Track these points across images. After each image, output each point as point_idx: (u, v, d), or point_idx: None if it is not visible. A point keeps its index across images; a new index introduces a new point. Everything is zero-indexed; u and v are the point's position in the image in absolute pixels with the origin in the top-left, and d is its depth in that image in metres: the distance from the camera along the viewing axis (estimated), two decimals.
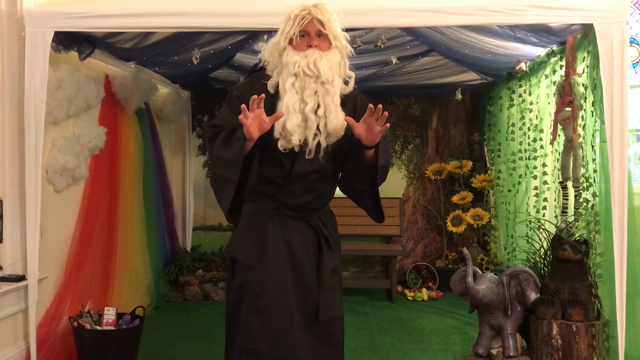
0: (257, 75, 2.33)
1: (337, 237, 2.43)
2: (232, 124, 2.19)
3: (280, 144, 2.17)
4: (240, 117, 2.04)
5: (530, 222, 4.06)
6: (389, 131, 6.03)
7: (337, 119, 2.17)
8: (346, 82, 2.26)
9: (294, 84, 2.15)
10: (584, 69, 3.42)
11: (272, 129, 2.15)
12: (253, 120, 2.06)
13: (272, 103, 2.20)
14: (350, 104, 2.30)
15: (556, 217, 3.84)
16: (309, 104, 2.15)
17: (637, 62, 5.74)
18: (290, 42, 2.20)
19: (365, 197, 2.36)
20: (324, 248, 2.32)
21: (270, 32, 2.79)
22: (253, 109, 2.06)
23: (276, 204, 2.27)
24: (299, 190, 2.26)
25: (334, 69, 2.18)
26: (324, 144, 2.19)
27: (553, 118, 3.79)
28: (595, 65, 3.14)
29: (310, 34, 2.19)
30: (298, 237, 2.29)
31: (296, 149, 2.19)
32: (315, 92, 2.16)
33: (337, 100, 2.19)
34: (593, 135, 3.33)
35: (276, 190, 2.26)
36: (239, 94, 2.28)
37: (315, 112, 2.15)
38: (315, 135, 2.18)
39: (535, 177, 4.34)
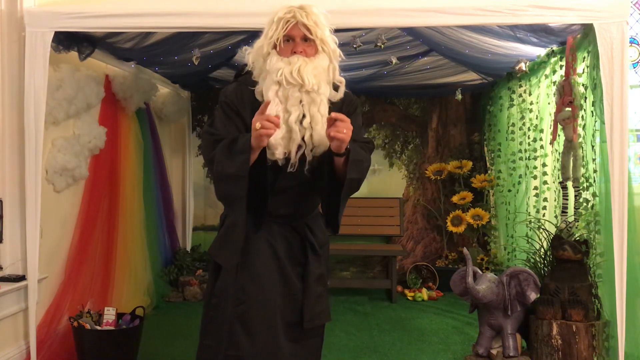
0: (243, 80, 2.21)
1: (324, 239, 2.33)
2: (228, 132, 2.10)
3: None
4: (254, 120, 1.93)
5: (530, 222, 4.06)
6: (389, 131, 6.04)
7: (324, 130, 2.03)
8: (336, 88, 2.14)
9: (277, 93, 2.02)
10: (584, 69, 3.42)
11: None
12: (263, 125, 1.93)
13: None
14: (336, 110, 2.16)
15: (556, 217, 3.84)
16: (293, 114, 2.02)
17: (637, 62, 5.74)
18: (275, 47, 2.08)
19: (323, 204, 2.24)
20: (309, 255, 2.23)
21: None
22: (263, 111, 1.95)
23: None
24: (282, 201, 2.18)
25: (321, 75, 2.06)
26: (309, 157, 2.07)
27: (553, 118, 3.80)
28: (595, 65, 3.14)
29: (295, 39, 2.07)
30: (283, 242, 2.21)
31: (280, 163, 2.07)
32: (300, 102, 2.03)
33: (324, 110, 2.06)
34: (593, 135, 3.33)
35: (259, 200, 2.13)
36: (228, 101, 2.17)
37: (301, 123, 2.03)
38: (300, 147, 2.05)
39: (535, 177, 4.34)
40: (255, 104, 2.09)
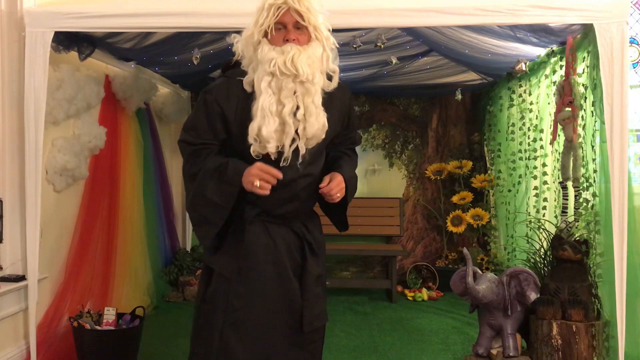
0: (231, 74, 2.12)
1: (321, 239, 2.28)
2: (209, 134, 2.05)
3: (253, 150, 1.98)
4: (254, 174, 1.94)
5: (530, 222, 4.06)
6: (389, 131, 6.03)
7: (318, 122, 1.99)
8: (330, 78, 2.06)
9: (270, 84, 1.94)
10: (584, 69, 3.42)
11: (246, 133, 1.98)
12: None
13: (247, 102, 2.00)
14: (338, 103, 2.14)
15: (556, 217, 3.84)
16: (287, 105, 1.95)
17: (637, 62, 5.75)
18: (266, 35, 2.00)
19: (331, 211, 2.27)
20: (307, 255, 2.17)
21: None
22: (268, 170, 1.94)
23: (257, 211, 2.12)
24: (283, 198, 2.10)
25: (315, 65, 1.98)
26: (302, 150, 2.01)
27: (553, 118, 3.80)
28: (595, 65, 3.14)
29: (287, 26, 1.99)
30: (281, 243, 2.13)
31: (273, 157, 2.00)
32: (294, 92, 1.96)
33: (318, 100, 2.00)
34: (593, 135, 3.33)
35: (258, 197, 2.05)
36: (213, 98, 2.06)
37: (294, 115, 1.97)
38: (294, 140, 1.98)
39: (535, 177, 4.34)
40: (242, 96, 2.02)
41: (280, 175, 1.95)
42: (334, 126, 2.16)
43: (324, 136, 2.05)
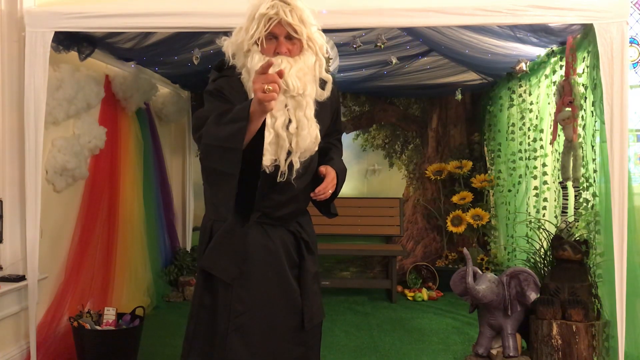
0: (229, 73, 2.08)
1: (314, 235, 2.27)
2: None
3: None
4: (255, 80, 1.68)
5: (530, 222, 4.06)
6: (389, 131, 6.03)
7: (310, 135, 1.96)
8: (322, 86, 2.02)
9: None
10: (584, 69, 3.42)
11: None
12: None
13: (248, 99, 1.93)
14: (329, 100, 2.10)
15: (556, 217, 3.84)
16: (279, 119, 1.91)
17: (637, 62, 5.74)
18: (256, 43, 1.96)
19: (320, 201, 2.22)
20: (305, 253, 2.16)
21: None
22: (265, 71, 1.67)
23: (257, 215, 2.07)
24: (283, 200, 2.08)
25: (306, 76, 1.94)
26: (296, 165, 1.98)
27: (553, 118, 3.80)
28: (595, 65, 3.14)
29: (279, 37, 1.94)
30: (280, 244, 2.11)
31: (268, 171, 1.94)
32: (285, 106, 1.92)
33: (310, 112, 1.96)
34: (593, 135, 3.33)
35: (259, 200, 2.00)
36: (218, 87, 2.02)
37: (287, 128, 1.93)
38: (289, 153, 1.95)
39: (535, 177, 4.34)
40: (244, 91, 2.00)
41: (279, 80, 1.69)
42: (326, 123, 2.17)
43: (316, 148, 2.04)
